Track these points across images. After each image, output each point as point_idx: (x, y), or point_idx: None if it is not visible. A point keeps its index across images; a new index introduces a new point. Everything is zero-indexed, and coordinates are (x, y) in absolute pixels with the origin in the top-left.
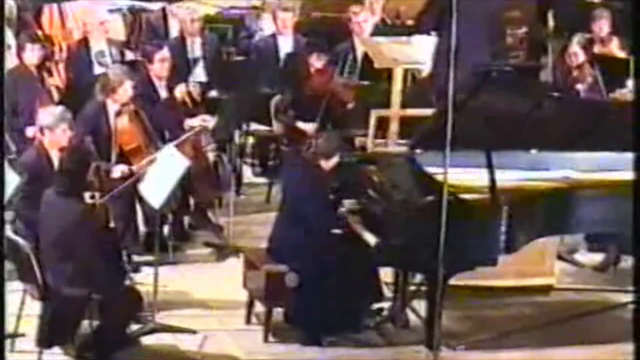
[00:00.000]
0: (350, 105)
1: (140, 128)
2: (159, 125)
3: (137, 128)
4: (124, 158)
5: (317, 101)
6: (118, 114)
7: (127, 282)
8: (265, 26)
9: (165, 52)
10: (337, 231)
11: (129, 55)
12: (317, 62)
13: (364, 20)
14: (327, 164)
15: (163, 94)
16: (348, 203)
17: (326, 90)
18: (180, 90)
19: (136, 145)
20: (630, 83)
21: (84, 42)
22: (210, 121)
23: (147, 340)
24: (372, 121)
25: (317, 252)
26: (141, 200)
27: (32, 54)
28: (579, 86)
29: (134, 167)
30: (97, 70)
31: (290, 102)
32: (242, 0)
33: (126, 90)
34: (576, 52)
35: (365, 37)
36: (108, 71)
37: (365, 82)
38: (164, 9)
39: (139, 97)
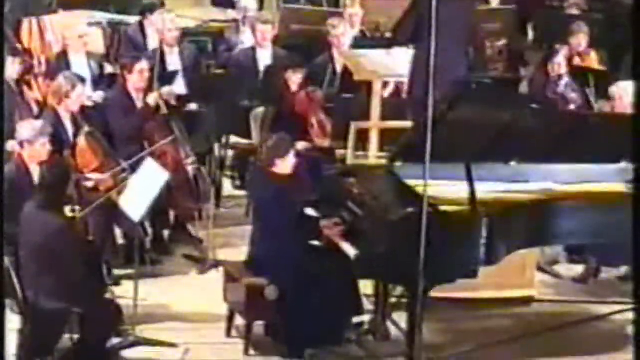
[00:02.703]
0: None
1: (99, 148)
2: (136, 135)
3: (95, 148)
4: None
5: (299, 119)
6: (75, 136)
7: (107, 296)
8: (245, 39)
9: (143, 64)
10: (315, 243)
11: (108, 69)
12: (294, 77)
13: (342, 33)
14: (285, 166)
15: (139, 106)
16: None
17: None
18: (153, 98)
19: (97, 166)
20: (614, 89)
21: (64, 55)
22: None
23: (127, 354)
24: (352, 133)
25: (296, 265)
26: (121, 213)
27: (12, 68)
28: (559, 98)
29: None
30: None
31: (272, 116)
32: (222, 13)
33: (79, 95)
34: (560, 63)
35: (345, 50)
36: (59, 77)
37: (345, 95)
38: (142, 22)
39: (115, 108)
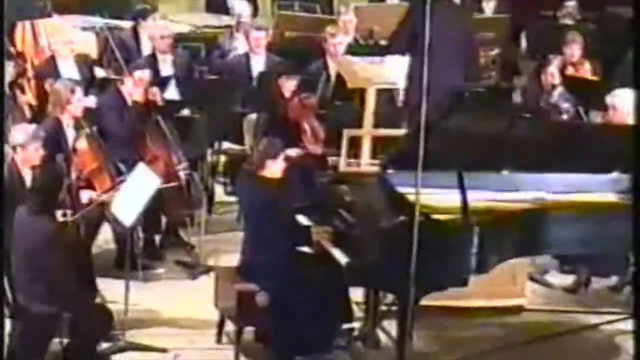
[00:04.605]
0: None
1: (98, 149)
2: (134, 131)
3: (95, 149)
4: (84, 180)
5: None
6: (76, 137)
7: (98, 300)
8: (239, 45)
9: (145, 73)
10: (306, 250)
11: (100, 73)
12: (287, 83)
13: (340, 42)
14: (275, 168)
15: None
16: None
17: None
18: (140, 94)
19: (96, 166)
20: (611, 99)
21: (52, 60)
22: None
23: (117, 358)
24: (345, 141)
25: (287, 272)
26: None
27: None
28: (552, 108)
29: (102, 196)
30: None
31: (265, 122)
32: (216, 19)
33: (80, 99)
34: (553, 73)
35: (338, 57)
36: (56, 86)
37: (338, 102)
38: (135, 27)
39: (109, 113)
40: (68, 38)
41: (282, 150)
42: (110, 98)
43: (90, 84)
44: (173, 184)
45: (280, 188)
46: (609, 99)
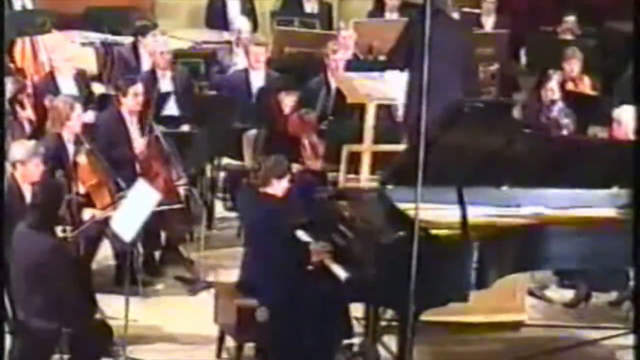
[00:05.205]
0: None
1: (98, 165)
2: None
3: (96, 165)
4: (83, 196)
5: (292, 141)
6: (75, 153)
7: (98, 316)
8: (238, 61)
9: (139, 87)
10: (306, 265)
11: (100, 89)
12: (287, 99)
13: (341, 58)
14: (280, 187)
15: (133, 129)
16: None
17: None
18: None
19: (96, 182)
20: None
21: (51, 76)
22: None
23: None
24: (344, 156)
25: (287, 287)
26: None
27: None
28: (552, 123)
29: (103, 213)
30: None
31: (265, 138)
32: (215, 34)
33: (79, 115)
34: (553, 89)
35: (339, 73)
36: (56, 102)
37: (338, 118)
38: (135, 43)
39: (107, 130)
40: (69, 54)
41: (289, 170)
42: (109, 116)
43: (87, 99)
44: (175, 206)
45: (282, 204)
46: (616, 113)
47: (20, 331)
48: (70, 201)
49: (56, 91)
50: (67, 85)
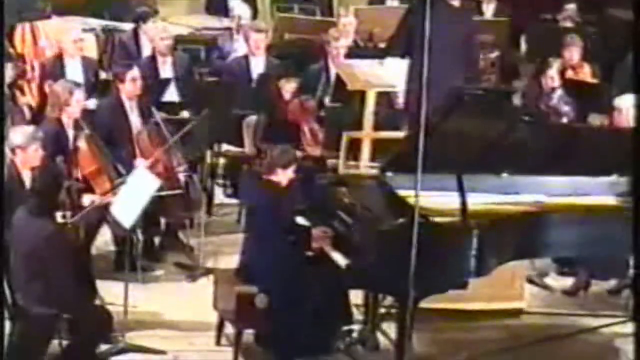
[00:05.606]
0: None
1: (98, 150)
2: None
3: (96, 150)
4: (83, 182)
5: (291, 127)
6: (75, 138)
7: (97, 302)
8: (238, 47)
9: (136, 72)
10: (306, 252)
11: (102, 75)
12: (287, 85)
13: (343, 45)
14: (284, 176)
15: (133, 115)
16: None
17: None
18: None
19: (96, 168)
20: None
21: (59, 59)
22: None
23: None
24: (344, 143)
25: (287, 274)
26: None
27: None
28: (552, 111)
29: (103, 198)
30: None
31: (265, 124)
32: (215, 21)
33: (78, 100)
34: (553, 76)
35: (339, 60)
36: (55, 87)
37: (338, 104)
38: (136, 29)
39: (107, 116)
40: (77, 36)
41: (295, 161)
42: (108, 102)
43: (94, 86)
44: (175, 191)
45: (283, 191)
46: (617, 101)
47: (19, 317)
48: (70, 187)
49: (62, 74)
50: (74, 68)
